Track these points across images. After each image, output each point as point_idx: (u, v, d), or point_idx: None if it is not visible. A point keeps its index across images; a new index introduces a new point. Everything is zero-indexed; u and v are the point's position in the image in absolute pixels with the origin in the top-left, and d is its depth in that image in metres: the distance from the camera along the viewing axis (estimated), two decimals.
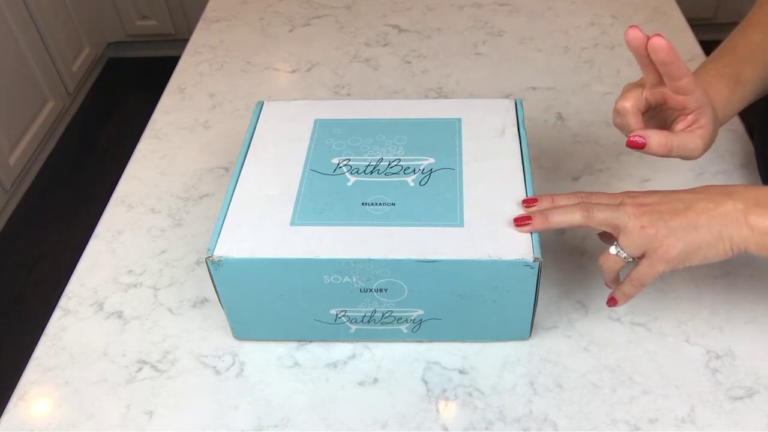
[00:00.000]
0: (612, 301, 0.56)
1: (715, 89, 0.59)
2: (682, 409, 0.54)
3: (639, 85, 0.57)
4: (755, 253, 0.51)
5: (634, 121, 0.56)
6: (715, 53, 0.63)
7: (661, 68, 0.54)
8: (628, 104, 0.56)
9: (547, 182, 0.74)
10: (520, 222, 0.54)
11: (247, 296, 0.56)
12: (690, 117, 0.56)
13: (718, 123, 0.57)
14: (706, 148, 0.56)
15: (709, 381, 0.56)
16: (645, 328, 0.60)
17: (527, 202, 0.56)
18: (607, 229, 0.54)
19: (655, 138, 0.55)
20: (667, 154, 0.55)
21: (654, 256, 0.51)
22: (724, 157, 0.76)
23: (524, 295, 0.55)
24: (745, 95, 0.60)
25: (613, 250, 0.53)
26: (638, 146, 0.55)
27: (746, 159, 0.76)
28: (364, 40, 1.00)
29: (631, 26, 0.54)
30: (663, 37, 0.52)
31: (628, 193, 0.55)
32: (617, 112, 0.57)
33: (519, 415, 0.55)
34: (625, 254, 0.53)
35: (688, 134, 0.55)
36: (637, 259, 0.53)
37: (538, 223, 0.54)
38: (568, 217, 0.54)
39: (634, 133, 0.55)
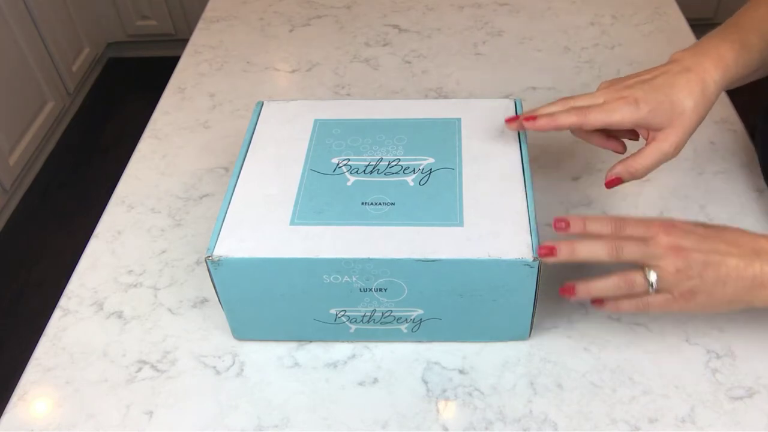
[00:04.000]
0: (599, 304, 0.54)
1: (718, 51, 0.59)
2: (682, 409, 0.54)
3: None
4: None
5: (589, 137, 0.60)
6: (719, 26, 0.63)
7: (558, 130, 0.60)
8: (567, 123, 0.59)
9: (547, 182, 0.74)
10: (545, 252, 0.52)
11: (247, 296, 0.56)
12: (641, 132, 0.59)
13: (702, 97, 0.57)
14: (681, 143, 0.57)
15: (709, 381, 0.56)
16: (645, 328, 0.60)
17: (559, 222, 0.53)
18: (637, 263, 0.52)
19: (625, 169, 0.59)
20: (647, 173, 0.58)
21: (676, 296, 0.51)
22: (725, 157, 0.76)
23: (524, 295, 0.55)
24: (750, 60, 0.60)
25: (653, 276, 0.51)
26: (616, 183, 0.59)
27: (747, 159, 0.76)
28: (364, 40, 1.00)
29: (507, 120, 0.60)
30: (512, 119, 0.60)
31: (663, 225, 0.52)
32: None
33: (519, 415, 0.55)
34: (654, 284, 0.51)
35: (652, 145, 0.58)
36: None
37: (563, 255, 0.52)
38: (595, 252, 0.52)
39: (607, 178, 0.60)
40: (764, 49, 0.60)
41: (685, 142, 0.58)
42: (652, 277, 0.51)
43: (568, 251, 0.52)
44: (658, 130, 0.57)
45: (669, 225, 0.52)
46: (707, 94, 0.57)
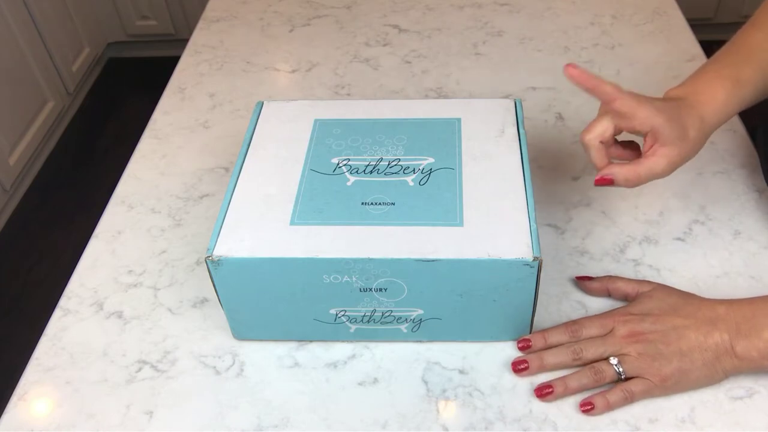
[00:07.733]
0: (590, 408, 0.55)
1: (711, 91, 0.59)
2: (682, 409, 0.54)
3: (606, 112, 0.58)
4: (748, 374, 0.56)
5: (595, 155, 0.58)
6: (717, 54, 0.63)
7: (590, 94, 0.57)
8: (588, 137, 0.58)
9: (547, 182, 0.74)
10: (517, 366, 0.57)
11: (247, 296, 0.56)
12: (648, 140, 0.57)
13: (700, 132, 0.58)
14: (675, 166, 0.58)
15: None
16: None
17: (521, 342, 0.58)
18: (602, 357, 0.56)
19: (621, 173, 0.57)
20: (637, 184, 0.58)
21: (652, 379, 0.54)
22: (724, 158, 0.76)
23: (524, 295, 0.55)
24: (743, 96, 0.60)
25: (614, 360, 0.55)
26: (606, 183, 0.58)
27: (746, 159, 0.76)
28: (364, 40, 1.00)
29: (567, 65, 0.56)
30: (574, 65, 0.55)
31: (618, 317, 0.57)
32: (583, 146, 0.59)
33: (519, 415, 0.55)
34: (622, 371, 0.55)
35: (651, 159, 0.57)
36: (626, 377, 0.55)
37: (534, 367, 0.57)
38: (560, 359, 0.57)
39: (600, 174, 0.58)
40: (759, 81, 0.60)
41: (678, 166, 0.58)
42: (614, 360, 0.55)
43: (537, 363, 0.57)
44: (663, 144, 0.57)
45: (625, 314, 0.57)
46: (704, 132, 0.58)
